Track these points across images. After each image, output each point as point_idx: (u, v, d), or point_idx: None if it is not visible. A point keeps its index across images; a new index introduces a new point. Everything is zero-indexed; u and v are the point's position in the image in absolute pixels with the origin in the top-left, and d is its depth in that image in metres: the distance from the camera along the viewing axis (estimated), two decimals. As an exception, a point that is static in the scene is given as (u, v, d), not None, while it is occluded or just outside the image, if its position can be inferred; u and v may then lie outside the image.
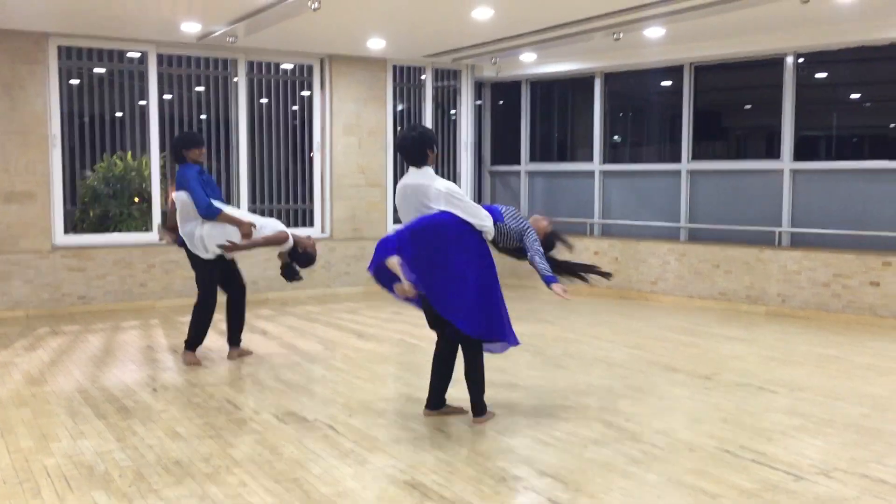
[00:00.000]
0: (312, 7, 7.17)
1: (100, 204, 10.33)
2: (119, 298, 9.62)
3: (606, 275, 5.45)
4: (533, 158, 12.10)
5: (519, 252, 5.16)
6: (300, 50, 10.52)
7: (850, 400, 5.69)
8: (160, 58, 9.91)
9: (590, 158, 11.44)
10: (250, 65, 10.49)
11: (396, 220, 11.67)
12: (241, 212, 7.03)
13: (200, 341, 6.83)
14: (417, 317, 9.18)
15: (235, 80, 10.41)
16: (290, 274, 6.72)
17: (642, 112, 11.84)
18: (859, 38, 8.81)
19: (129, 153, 10.27)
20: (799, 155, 9.55)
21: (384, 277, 4.98)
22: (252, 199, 10.61)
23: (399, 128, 11.41)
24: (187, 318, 8.95)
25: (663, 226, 10.63)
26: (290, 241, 6.57)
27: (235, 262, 6.90)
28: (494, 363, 6.61)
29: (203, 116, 10.45)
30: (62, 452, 4.56)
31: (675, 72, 10.46)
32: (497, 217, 5.07)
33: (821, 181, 9.47)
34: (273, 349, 7.39)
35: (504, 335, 4.95)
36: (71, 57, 9.59)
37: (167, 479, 4.15)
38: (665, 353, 7.21)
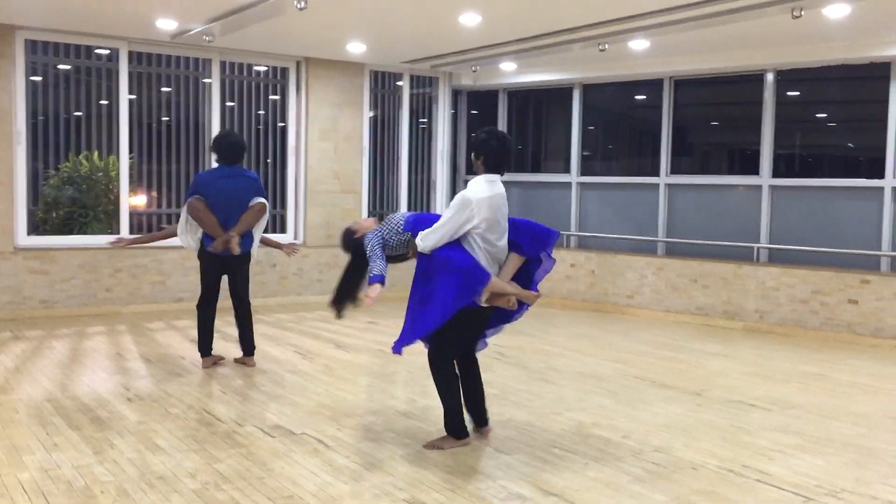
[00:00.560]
0: (298, 6, 6.98)
1: (63, 205, 9.97)
2: (83, 303, 9.28)
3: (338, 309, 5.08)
4: (522, 169, 12.01)
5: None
6: (276, 52, 10.30)
7: (843, 419, 5.63)
8: (131, 55, 9.61)
9: (565, 170, 11.38)
10: (223, 65, 10.23)
11: (370, 228, 11.51)
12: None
13: (204, 347, 6.81)
14: (392, 327, 9.03)
15: (207, 80, 10.14)
16: None
17: (618, 125, 11.83)
18: (841, 56, 8.86)
19: (96, 153, 9.94)
20: (776, 172, 9.59)
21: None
22: (223, 203, 10.33)
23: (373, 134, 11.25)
24: (156, 325, 8.76)
25: (640, 239, 10.58)
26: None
27: (239, 270, 6.71)
28: (493, 377, 6.46)
29: (165, 118, 10.15)
30: (36, 466, 4.29)
31: (653, 85, 10.44)
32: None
33: (799, 198, 9.50)
34: (249, 358, 7.15)
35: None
36: (36, 52, 9.24)
37: (152, 496, 3.91)
38: (650, 369, 7.12)
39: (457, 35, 8.75)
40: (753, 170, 9.74)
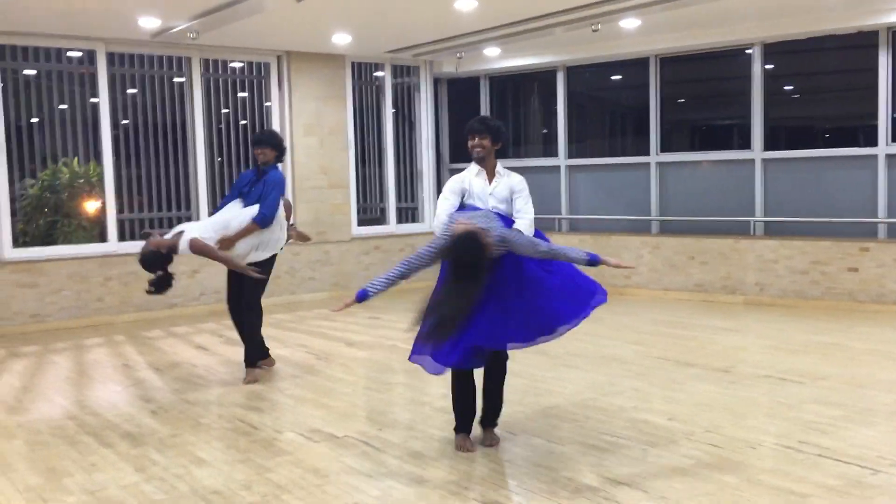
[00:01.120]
0: (295, -3, 6.78)
1: (41, 214, 9.63)
2: (75, 315, 8.98)
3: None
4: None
5: None
6: (257, 46, 10.05)
7: (876, 387, 5.64)
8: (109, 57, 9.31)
9: (551, 154, 11.32)
10: (205, 63, 9.96)
11: (361, 223, 11.35)
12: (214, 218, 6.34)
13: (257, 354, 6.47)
14: (397, 321, 8.91)
15: (179, 80, 9.83)
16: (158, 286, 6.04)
17: (605, 105, 11.79)
18: (829, 27, 8.89)
19: (76, 159, 9.62)
20: (768, 145, 9.62)
21: None
22: (213, 204, 10.08)
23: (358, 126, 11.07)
24: (154, 334, 8.51)
25: (635, 219, 10.56)
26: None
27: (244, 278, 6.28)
28: (516, 367, 6.36)
29: (126, 120, 9.86)
30: (81, 488, 4.10)
31: (640, 65, 10.40)
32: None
33: (791, 170, 9.54)
34: (262, 362, 6.96)
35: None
36: (4, 57, 8.88)
37: (214, 513, 3.76)
38: (669, 348, 7.08)
39: (449, 21, 8.61)
40: (745, 144, 9.76)
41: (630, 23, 8.82)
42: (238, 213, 6.16)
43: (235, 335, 6.96)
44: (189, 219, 10.14)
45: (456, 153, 12.29)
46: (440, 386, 5.95)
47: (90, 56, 9.23)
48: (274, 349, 7.35)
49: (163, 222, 9.87)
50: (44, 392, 6.15)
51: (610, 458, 4.36)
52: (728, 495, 3.80)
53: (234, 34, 9.07)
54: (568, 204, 11.15)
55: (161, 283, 6.00)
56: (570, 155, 11.15)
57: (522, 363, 6.54)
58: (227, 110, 10.30)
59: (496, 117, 11.81)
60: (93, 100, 9.34)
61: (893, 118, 8.79)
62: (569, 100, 11.11)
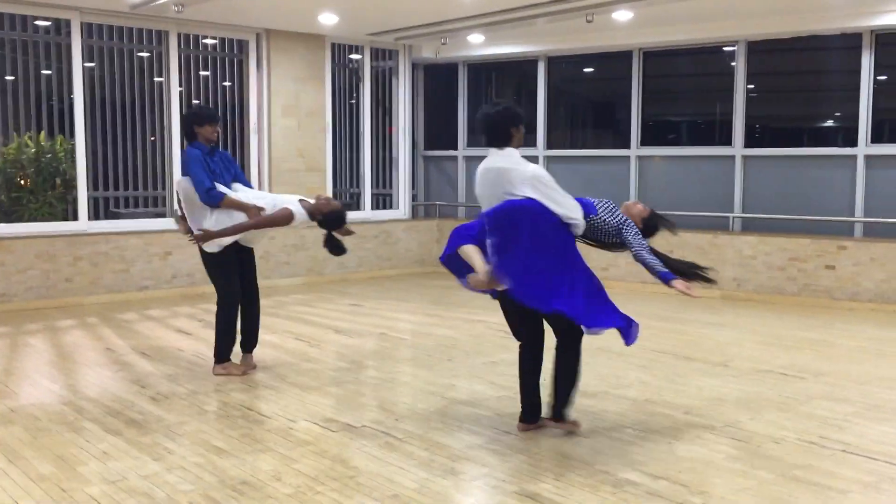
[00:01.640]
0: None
1: (6, 190, 9.23)
2: (43, 295, 8.63)
3: (711, 281, 4.91)
4: (475, 144, 11.83)
5: (618, 247, 4.81)
6: (237, 23, 9.77)
7: (878, 384, 5.73)
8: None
9: (529, 144, 11.27)
10: (183, 38, 9.65)
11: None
12: (254, 192, 5.98)
13: (227, 349, 5.94)
14: (379, 308, 8.79)
15: (143, 55, 9.51)
16: (332, 246, 5.76)
17: (586, 98, 11.80)
18: (812, 28, 9.01)
19: (42, 133, 9.24)
20: (749, 142, 9.73)
21: (455, 266, 4.55)
22: (185, 185, 9.79)
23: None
24: (129, 317, 8.22)
25: (612, 212, 10.57)
26: (299, 217, 5.65)
27: (251, 259, 6.07)
28: (512, 356, 6.29)
29: (78, 97, 9.52)
30: (99, 478, 3.90)
31: (622, 57, 10.41)
32: (589, 210, 4.62)
33: (771, 168, 9.67)
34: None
35: (619, 321, 4.41)
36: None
37: (249, 505, 3.61)
38: (663, 341, 7.11)
39: (443, 5, 8.47)
40: (726, 140, 9.85)
41: (622, 15, 8.80)
42: (276, 197, 5.92)
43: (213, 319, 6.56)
44: (164, 199, 9.85)
45: (431, 140, 12.17)
46: (446, 376, 5.88)
47: (60, 25, 8.85)
48: (261, 335, 7.15)
49: (128, 202, 9.56)
50: (28, 376, 5.87)
51: (638, 451, 4.32)
52: (769, 491, 3.80)
53: (214, 9, 8.80)
54: (545, 195, 11.11)
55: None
56: (550, 146, 11.13)
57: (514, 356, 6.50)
58: (205, 76, 9.99)
59: (472, 106, 11.84)
60: (45, 71, 8.97)
61: (873, 120, 8.96)
62: (548, 90, 11.09)
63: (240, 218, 5.60)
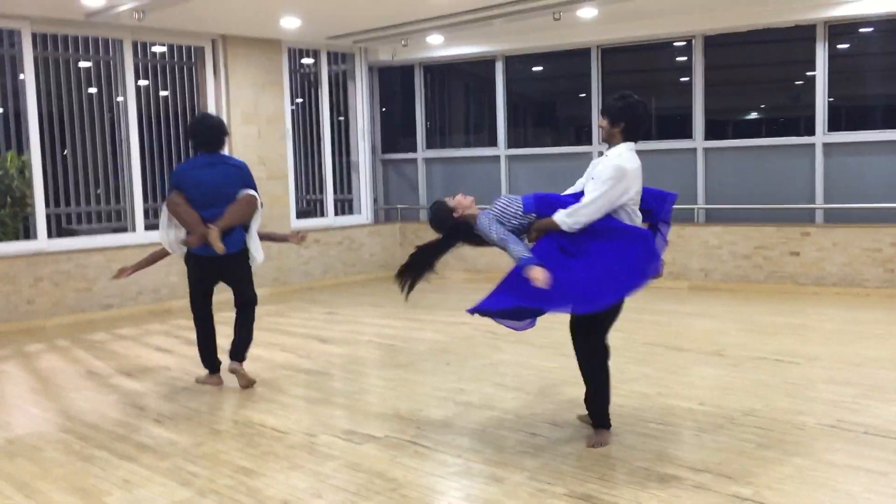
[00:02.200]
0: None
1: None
2: (4, 318, 8.24)
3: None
4: (430, 146, 11.78)
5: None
6: (193, 29, 9.51)
7: (871, 365, 5.88)
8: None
9: (465, 144, 11.39)
10: (138, 46, 9.35)
11: (300, 216, 10.94)
12: None
13: (203, 360, 5.94)
14: (356, 315, 8.66)
15: (85, 65, 9.19)
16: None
17: (549, 95, 11.87)
18: (768, 21, 9.23)
19: (-8, 150, 8.85)
20: (709, 134, 9.91)
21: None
22: (145, 197, 9.49)
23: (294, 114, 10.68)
24: (99, 337, 7.91)
25: (576, 208, 10.64)
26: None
27: (238, 268, 5.89)
28: (509, 357, 6.29)
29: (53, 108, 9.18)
30: (131, 508, 3.73)
31: (581, 55, 10.49)
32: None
33: (732, 159, 9.87)
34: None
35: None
36: None
37: (298, 526, 3.49)
38: (650, 333, 7.17)
39: (414, 5, 8.41)
40: (687, 133, 10.02)
41: (587, 12, 8.87)
42: None
43: (191, 334, 6.33)
44: (121, 213, 9.53)
45: (388, 143, 12.07)
46: (451, 380, 5.81)
47: (4, 35, 8.49)
48: (247, 348, 7.00)
49: (80, 218, 9.25)
50: (14, 405, 5.59)
51: (672, 445, 4.34)
52: (812, 478, 3.85)
53: (170, 16, 8.54)
54: (508, 194, 11.12)
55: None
56: (510, 145, 11.14)
57: (515, 354, 6.50)
58: (165, 93, 9.71)
59: (430, 106, 11.79)
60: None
61: (829, 108, 9.22)
62: (483, 90, 11.12)
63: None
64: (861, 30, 9.32)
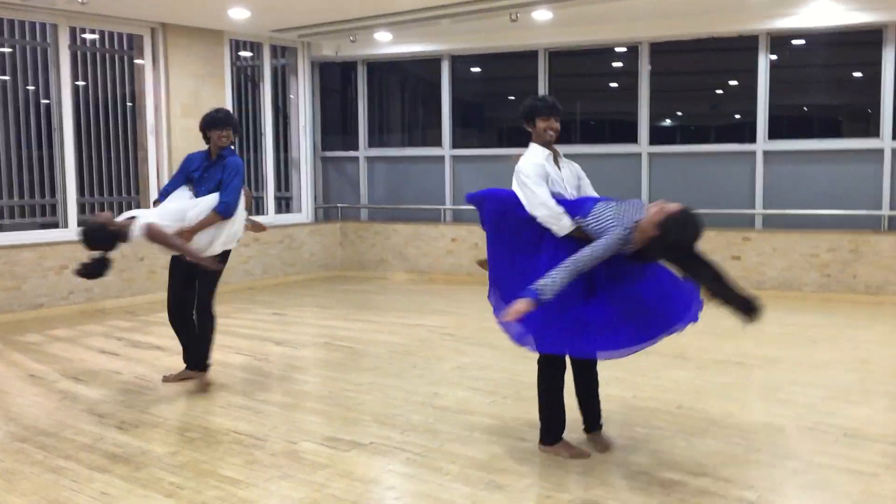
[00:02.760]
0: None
1: None
2: (-74, 318, 7.71)
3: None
4: (371, 144, 11.61)
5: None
6: (131, 16, 9.10)
7: (832, 367, 6.04)
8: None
9: (400, 143, 11.37)
10: (73, 32, 8.90)
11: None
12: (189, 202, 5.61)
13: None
14: (304, 316, 8.44)
15: (7, 50, 8.72)
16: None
17: (494, 96, 11.85)
18: (711, 30, 9.43)
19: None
20: (654, 140, 10.06)
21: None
22: (81, 191, 9.04)
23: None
24: (32, 339, 7.47)
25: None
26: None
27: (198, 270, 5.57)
28: (473, 359, 6.20)
29: None
30: (118, 524, 3.48)
31: (528, 57, 10.50)
32: (575, 211, 4.18)
33: (677, 164, 10.04)
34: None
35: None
36: None
37: (304, 539, 3.32)
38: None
39: (364, 1, 8.25)
40: (632, 139, 10.14)
41: (542, 14, 8.87)
42: (196, 202, 5.53)
43: (133, 336, 6.13)
44: (54, 207, 9.05)
45: (327, 141, 11.84)
46: (422, 384, 5.69)
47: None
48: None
49: (13, 212, 8.75)
50: (-42, 411, 5.20)
51: (661, 450, 4.33)
52: (807, 480, 3.89)
53: (109, 2, 8.16)
54: (452, 194, 11.06)
55: (97, 267, 5.16)
56: (455, 145, 11.07)
57: (489, 358, 6.42)
58: (90, 82, 9.27)
59: (371, 105, 11.62)
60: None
61: (770, 116, 9.47)
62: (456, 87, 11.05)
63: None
64: (795, 41, 9.60)
